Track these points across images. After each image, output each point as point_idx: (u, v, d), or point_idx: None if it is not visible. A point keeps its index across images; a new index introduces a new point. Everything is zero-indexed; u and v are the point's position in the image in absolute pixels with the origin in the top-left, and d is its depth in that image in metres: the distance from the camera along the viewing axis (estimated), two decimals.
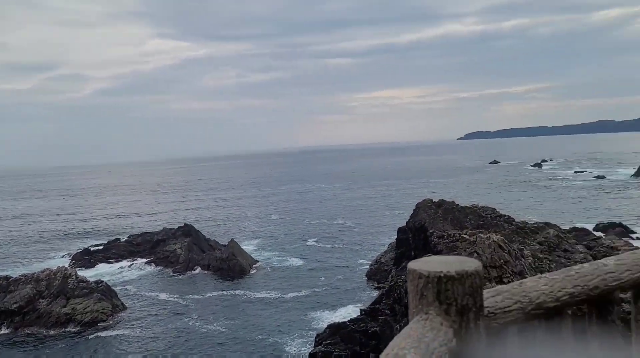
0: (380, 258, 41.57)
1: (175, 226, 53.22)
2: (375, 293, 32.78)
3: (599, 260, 1.90)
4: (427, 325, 1.40)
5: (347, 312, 31.54)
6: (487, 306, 1.55)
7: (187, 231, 50.42)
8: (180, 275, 44.45)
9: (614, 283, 1.81)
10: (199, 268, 45.20)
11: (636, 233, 47.52)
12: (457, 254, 25.14)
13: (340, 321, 26.85)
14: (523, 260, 26.05)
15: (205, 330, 31.37)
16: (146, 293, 39.54)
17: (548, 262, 27.39)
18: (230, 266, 43.83)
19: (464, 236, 29.16)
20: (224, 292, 39.04)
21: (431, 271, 1.45)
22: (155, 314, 34.84)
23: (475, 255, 24.65)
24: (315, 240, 56.03)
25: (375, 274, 39.59)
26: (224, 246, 48.00)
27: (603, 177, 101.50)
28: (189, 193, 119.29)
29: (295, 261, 47.00)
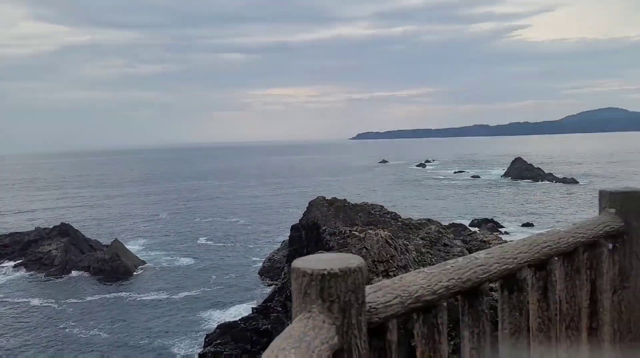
0: (273, 255, 41.65)
1: (51, 226, 48.96)
2: (268, 291, 32.78)
3: (471, 254, 2.02)
4: (309, 323, 1.37)
5: (239, 311, 31.18)
6: (369, 302, 1.56)
7: (64, 230, 46.60)
8: (56, 278, 40.99)
9: (484, 275, 1.92)
10: (78, 270, 42.03)
11: (504, 227, 52.44)
12: (348, 250, 25.97)
13: (231, 320, 26.48)
14: (408, 254, 27.55)
15: (84, 337, 29.23)
16: (15, 300, 35.93)
17: (430, 256, 29.22)
18: (113, 267, 41.29)
19: (355, 232, 30.11)
20: (107, 295, 36.69)
21: (315, 269, 1.43)
22: (26, 322, 31.78)
23: (365, 250, 25.61)
24: (206, 238, 54.69)
25: (268, 271, 39.59)
26: (107, 246, 45.12)
27: (478, 177, 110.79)
28: (67, 190, 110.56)
29: (185, 261, 45.52)
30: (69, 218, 61.67)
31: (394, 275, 2.06)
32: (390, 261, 25.47)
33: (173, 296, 35.78)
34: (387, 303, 1.60)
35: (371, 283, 1.75)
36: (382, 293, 1.62)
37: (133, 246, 48.60)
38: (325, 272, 1.41)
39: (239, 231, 58.06)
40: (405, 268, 24.95)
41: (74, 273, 41.78)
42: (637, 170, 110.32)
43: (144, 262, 44.40)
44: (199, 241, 53.19)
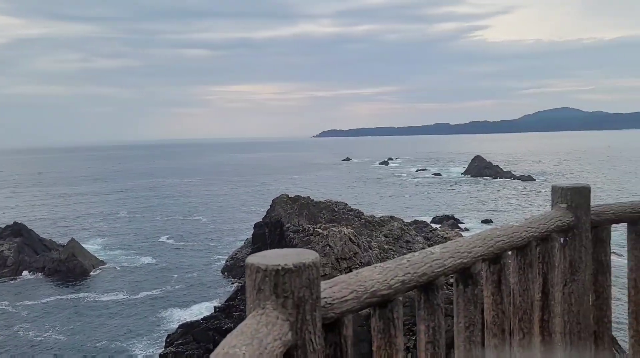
0: (237, 253, 41.30)
1: (3, 226, 47.04)
2: (231, 289, 32.51)
3: (427, 249, 2.04)
4: (262, 320, 1.35)
5: (201, 310, 30.77)
6: (325, 297, 1.55)
7: (17, 230, 44.83)
8: (9, 280, 39.42)
9: (439, 270, 1.94)
10: (32, 271, 40.54)
11: (464, 223, 53.66)
12: (311, 247, 26.00)
13: (193, 320, 26.12)
14: (370, 251, 27.83)
15: (39, 340, 28.25)
16: None
17: (392, 252, 29.59)
18: (69, 268, 40.04)
19: (318, 230, 30.18)
20: (63, 296, 35.55)
21: (269, 265, 1.41)
22: None
23: (328, 247, 25.72)
24: (167, 236, 53.72)
25: (231, 270, 39.23)
26: (63, 246, 43.70)
27: (439, 174, 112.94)
28: (20, 188, 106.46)
29: (146, 260, 44.57)
30: (22, 217, 59.33)
31: None
32: (354, 258, 25.66)
33: (133, 297, 34.99)
34: (343, 299, 1.60)
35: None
36: (337, 289, 1.61)
37: (91, 246, 47.26)
38: (279, 268, 1.39)
39: (202, 229, 57.28)
40: (368, 265, 25.18)
41: (27, 274, 40.30)
42: (589, 168, 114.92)
43: (102, 262, 43.24)
44: (160, 240, 52.19)
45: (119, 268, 42.21)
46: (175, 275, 39.62)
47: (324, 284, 1.59)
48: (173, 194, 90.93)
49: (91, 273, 40.42)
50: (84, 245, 44.68)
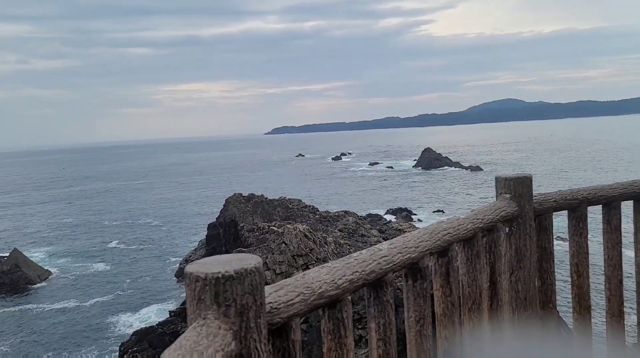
0: (191, 256, 40.52)
1: None
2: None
3: (375, 246, 2.02)
4: (203, 331, 1.28)
5: (156, 315, 30.02)
6: (270, 302, 1.49)
7: None
8: None
9: (388, 266, 1.93)
10: None
11: (417, 214, 54.78)
12: (267, 245, 25.86)
13: (148, 325, 25.44)
14: (327, 246, 27.95)
15: None
16: None
17: (348, 247, 29.83)
18: (13, 279, 38.11)
19: (273, 228, 30.03)
20: (6, 309, 33.82)
21: (209, 273, 1.33)
22: None
23: (284, 245, 25.64)
24: (117, 241, 52.06)
25: None
26: (5, 257, 41.52)
27: (391, 168, 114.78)
28: None
29: (96, 266, 43.03)
30: None
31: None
32: (310, 254, 25.70)
33: (82, 305, 33.70)
34: (290, 302, 1.55)
35: (291, 277, 1.70)
36: (283, 292, 1.56)
37: (36, 255, 45.18)
38: (220, 275, 1.33)
39: (153, 232, 55.84)
40: (324, 261, 25.28)
41: None
42: (533, 156, 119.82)
43: (48, 271, 41.41)
44: (109, 245, 50.50)
45: (66, 277, 40.57)
46: (127, 281, 38.48)
47: (269, 288, 1.53)
48: (121, 197, 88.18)
49: (37, 284, 38.65)
50: (28, 255, 42.63)
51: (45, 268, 41.98)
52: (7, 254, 41.89)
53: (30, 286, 38.03)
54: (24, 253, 42.50)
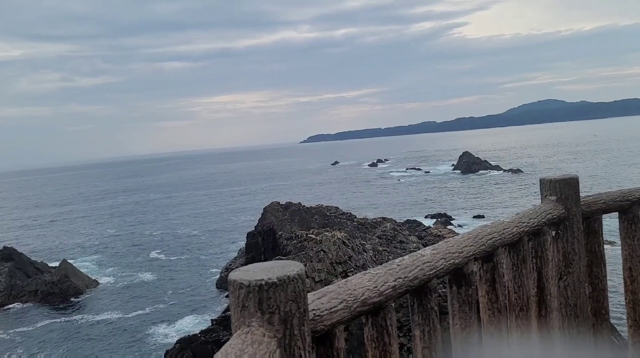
0: (231, 264, 41.03)
1: None
2: (228, 301, 32.22)
3: (418, 251, 1.98)
4: (247, 338, 1.28)
5: (198, 324, 30.48)
6: (313, 310, 1.49)
7: (7, 254, 44.19)
8: (1, 306, 38.81)
9: (431, 272, 1.89)
10: (25, 295, 39.94)
11: (456, 220, 53.82)
12: (305, 253, 25.92)
13: (191, 334, 25.85)
14: (365, 253, 27.78)
15: None
16: None
17: (387, 253, 29.59)
18: (63, 289, 39.51)
19: (311, 235, 30.12)
20: (57, 319, 35.04)
21: (252, 280, 1.34)
22: None
23: (322, 252, 25.63)
24: (159, 251, 53.25)
25: (226, 282, 38.85)
26: (55, 268, 43.15)
27: (429, 173, 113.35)
28: (7, 211, 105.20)
29: (138, 276, 44.13)
30: (11, 241, 58.59)
31: (352, 275, 2.00)
32: (349, 261, 25.60)
33: (127, 315, 34.56)
34: (333, 309, 1.54)
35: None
36: (326, 299, 1.55)
37: (82, 266, 46.73)
38: (263, 282, 1.33)
39: (193, 242, 56.89)
40: (363, 268, 25.13)
41: (20, 298, 39.70)
42: (577, 157, 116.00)
43: (95, 281, 42.77)
44: (150, 256, 51.71)
45: (111, 287, 41.77)
46: (169, 290, 39.26)
47: (311, 295, 1.53)
48: (162, 208, 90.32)
49: (85, 294, 39.95)
50: (75, 265, 44.17)
51: (93, 278, 43.37)
52: (57, 264, 43.53)
53: (78, 296, 39.32)
54: (72, 263, 44.03)
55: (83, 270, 44.24)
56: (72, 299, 38.84)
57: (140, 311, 34.95)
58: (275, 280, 1.33)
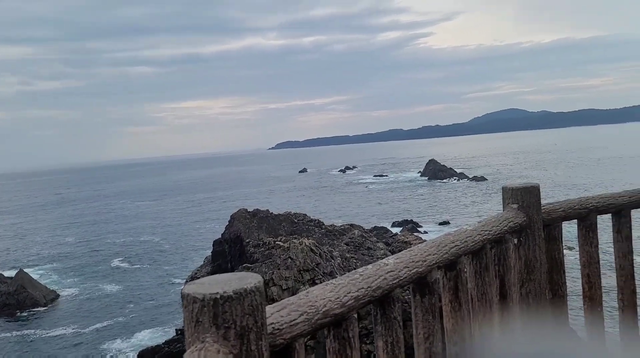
0: (196, 273, 40.32)
1: None
2: None
3: (381, 260, 1.95)
4: (201, 355, 1.22)
5: (159, 337, 29.73)
6: (272, 323, 1.43)
7: None
8: None
9: (394, 282, 1.86)
10: None
11: (423, 226, 54.49)
12: (273, 261, 25.73)
13: (154, 344, 25.26)
14: (333, 260, 27.79)
15: None
16: None
17: (354, 260, 29.66)
18: (19, 300, 38.01)
19: (279, 243, 29.93)
20: (10, 333, 33.53)
21: (206, 294, 1.28)
22: None
23: (290, 260, 25.51)
24: (121, 260, 51.92)
25: None
26: (11, 278, 41.49)
27: (396, 180, 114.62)
28: None
29: (99, 287, 42.83)
30: None
31: (320, 282, 1.96)
32: (316, 269, 25.54)
33: (84, 329, 33.34)
34: (292, 322, 1.48)
35: (297, 293, 1.64)
36: (286, 312, 1.50)
37: (40, 276, 45.14)
38: (218, 296, 1.27)
39: (157, 250, 55.69)
40: (331, 275, 25.12)
41: None
42: (538, 166, 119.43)
43: (54, 292, 41.28)
44: (112, 265, 50.32)
45: (70, 298, 40.42)
46: (131, 302, 38.26)
47: (270, 308, 1.47)
48: (125, 215, 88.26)
49: (42, 305, 38.52)
50: (33, 276, 42.59)
51: (51, 288, 41.90)
52: (13, 274, 41.89)
53: (35, 307, 37.91)
54: (29, 273, 42.45)
55: (41, 281, 42.72)
56: (27, 311, 37.40)
57: (98, 325, 33.78)
58: (232, 293, 1.28)
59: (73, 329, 33.44)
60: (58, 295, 40.93)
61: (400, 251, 2.22)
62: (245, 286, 1.30)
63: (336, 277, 1.81)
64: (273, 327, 1.42)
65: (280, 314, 1.48)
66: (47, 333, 33.12)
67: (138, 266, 49.16)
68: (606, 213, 3.08)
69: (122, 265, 50.06)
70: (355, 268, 1.87)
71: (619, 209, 3.09)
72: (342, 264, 28.59)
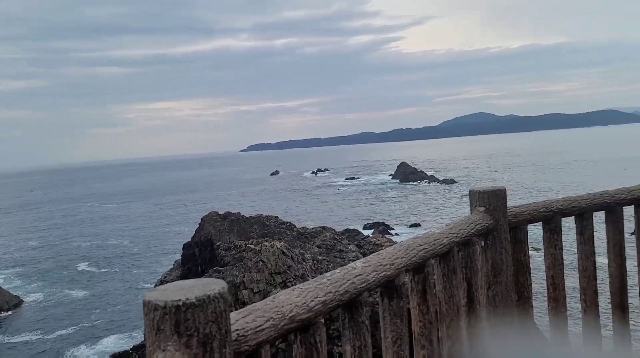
0: (166, 277, 39.64)
1: None
2: None
3: (349, 264, 1.94)
4: None
5: (126, 343, 29.12)
6: (237, 330, 1.40)
7: None
8: None
9: (363, 285, 1.85)
10: None
11: (394, 229, 54.98)
12: (244, 264, 25.53)
13: (122, 350, 24.75)
14: (304, 263, 27.75)
15: None
16: None
17: (326, 263, 29.68)
18: None
19: (250, 246, 29.72)
20: None
21: (168, 301, 1.24)
22: None
23: (261, 263, 25.36)
24: (87, 263, 50.75)
25: None
26: None
27: (368, 182, 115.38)
28: None
29: (64, 292, 41.74)
30: None
31: (292, 285, 1.95)
32: (288, 271, 25.46)
33: (49, 336, 32.47)
34: (258, 329, 1.46)
35: (269, 295, 1.61)
36: (251, 318, 1.47)
37: (3, 281, 43.71)
38: (180, 303, 1.23)
39: (125, 254, 54.62)
40: (302, 278, 25.08)
41: None
42: (505, 169, 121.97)
43: (17, 297, 40.02)
44: (79, 269, 49.13)
45: (34, 304, 39.26)
46: (97, 307, 37.39)
47: (235, 315, 1.44)
48: (92, 219, 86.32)
49: (5, 311, 37.29)
50: None
51: (14, 293, 40.61)
52: None
53: None
54: None
55: (4, 286, 41.35)
56: None
57: (63, 331, 32.91)
58: (194, 300, 1.24)
59: (37, 336, 32.47)
60: (22, 301, 39.70)
61: (371, 253, 2.21)
62: (209, 293, 1.26)
63: (308, 280, 1.79)
64: (238, 334, 1.39)
65: (246, 320, 1.45)
66: (9, 340, 32.08)
67: (105, 270, 48.12)
68: (570, 216, 3.15)
69: (89, 269, 48.90)
70: (327, 271, 1.86)
71: (582, 212, 3.16)
72: (314, 266, 28.58)
